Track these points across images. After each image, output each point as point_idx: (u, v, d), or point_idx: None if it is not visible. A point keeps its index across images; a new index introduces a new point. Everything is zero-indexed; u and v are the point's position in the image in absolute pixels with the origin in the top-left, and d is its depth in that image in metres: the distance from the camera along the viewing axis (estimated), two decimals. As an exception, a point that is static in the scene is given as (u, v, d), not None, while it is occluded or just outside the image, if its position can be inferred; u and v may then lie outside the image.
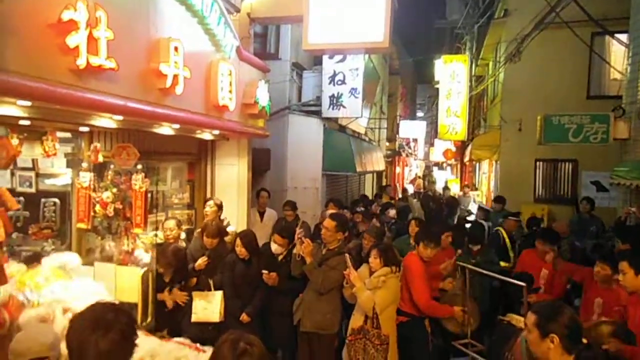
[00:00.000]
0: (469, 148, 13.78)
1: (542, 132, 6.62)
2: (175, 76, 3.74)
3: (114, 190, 4.05)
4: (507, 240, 6.03)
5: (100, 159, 3.92)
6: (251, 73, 5.62)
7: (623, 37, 7.42)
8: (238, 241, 4.26)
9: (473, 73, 13.66)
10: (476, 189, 15.47)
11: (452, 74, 12.20)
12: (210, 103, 4.61)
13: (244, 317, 4.16)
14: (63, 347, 1.96)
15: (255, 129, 5.83)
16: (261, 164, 7.86)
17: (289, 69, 8.10)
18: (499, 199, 8.41)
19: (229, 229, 5.23)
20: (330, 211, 5.92)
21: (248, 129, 5.63)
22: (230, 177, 6.35)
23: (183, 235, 5.24)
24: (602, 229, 6.68)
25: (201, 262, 4.26)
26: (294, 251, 4.18)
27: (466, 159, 16.04)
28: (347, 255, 3.94)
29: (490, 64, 12.74)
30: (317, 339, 4.07)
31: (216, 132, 5.22)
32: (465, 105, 12.29)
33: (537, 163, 10.07)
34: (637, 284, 3.19)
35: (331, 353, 4.17)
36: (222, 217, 5.44)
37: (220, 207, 5.37)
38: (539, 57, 9.22)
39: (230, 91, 4.85)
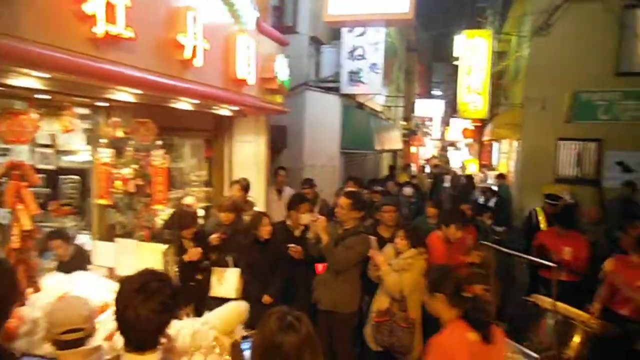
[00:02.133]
0: (489, 127, 13.46)
1: (571, 110, 6.35)
2: (194, 48, 3.61)
3: (135, 166, 4.00)
4: (543, 221, 5.87)
5: (120, 134, 3.85)
6: (270, 46, 5.46)
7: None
8: (265, 221, 4.17)
9: (495, 49, 13.23)
10: (494, 169, 15.18)
11: (473, 49, 11.81)
12: (229, 77, 4.48)
13: (267, 298, 4.12)
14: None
15: (273, 104, 5.71)
16: (278, 142, 7.75)
17: (307, 44, 7.88)
18: (500, 176, 9.02)
19: (254, 209, 5.17)
20: (347, 190, 5.81)
21: (266, 104, 5.51)
22: (248, 154, 6.27)
23: (201, 213, 5.21)
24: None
25: (215, 237, 4.18)
26: (308, 235, 4.10)
27: (485, 138, 15.70)
28: (372, 237, 3.83)
29: (513, 39, 12.30)
30: (335, 318, 4.01)
31: (234, 107, 5.11)
32: (486, 82, 11.93)
33: (559, 142, 9.77)
34: None
35: (349, 331, 4.11)
36: (248, 198, 5.36)
37: (246, 188, 5.27)
38: (565, 31, 8.83)
39: (249, 64, 4.71)
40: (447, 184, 12.88)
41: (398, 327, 3.70)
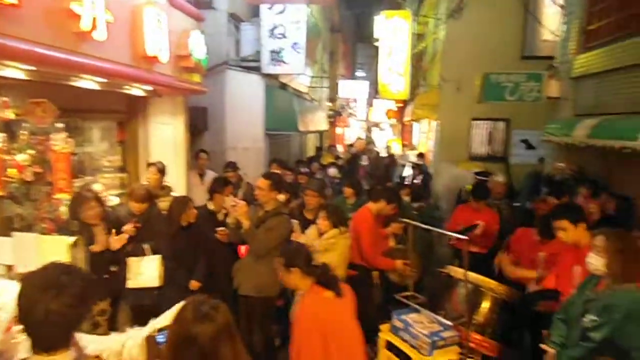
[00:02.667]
0: (410, 107, 13.93)
1: (482, 91, 6.73)
2: (94, 19, 3.28)
3: (31, 151, 3.61)
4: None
5: (11, 115, 3.43)
6: (184, 22, 5.15)
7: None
8: (190, 205, 4.06)
9: (414, 31, 13.62)
10: (415, 149, 15.83)
11: (393, 30, 12.04)
12: (139, 53, 4.16)
13: (194, 283, 4.02)
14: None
15: (190, 84, 5.42)
16: (198, 123, 7.44)
17: (225, 20, 7.55)
18: (420, 155, 9.78)
19: (172, 194, 4.93)
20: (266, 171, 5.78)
21: (183, 84, 5.22)
22: (165, 137, 5.94)
23: (116, 200, 4.87)
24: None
25: (128, 228, 3.92)
26: (228, 220, 4.01)
27: (406, 118, 16.27)
28: (294, 221, 3.83)
29: (430, 21, 12.74)
30: (256, 302, 3.97)
31: (147, 87, 4.78)
32: (407, 64, 12.26)
33: (473, 122, 10.38)
34: (576, 236, 3.24)
35: (270, 316, 4.11)
36: (165, 183, 5.09)
37: (162, 171, 5.00)
38: (477, 15, 9.30)
39: (160, 40, 4.40)
40: (365, 163, 13.30)
41: None
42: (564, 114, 6.49)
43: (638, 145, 4.11)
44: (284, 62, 7.88)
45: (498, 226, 5.12)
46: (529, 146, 9.97)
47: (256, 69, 8.11)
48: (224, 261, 4.25)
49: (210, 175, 6.45)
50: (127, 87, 4.60)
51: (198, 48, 5.11)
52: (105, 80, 3.85)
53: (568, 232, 3.24)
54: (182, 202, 4.11)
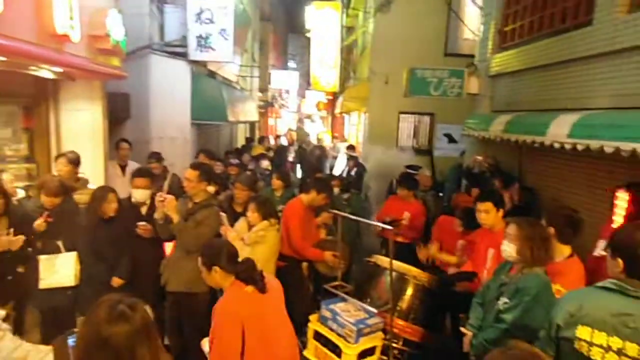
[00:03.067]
0: (340, 100, 14.13)
1: (408, 85, 6.96)
2: (-10, -10, 2.92)
3: None
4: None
5: None
6: (100, -1, 4.76)
7: (478, -2, 8.03)
8: (111, 197, 3.78)
9: (344, 23, 13.76)
10: (346, 140, 16.09)
11: (324, 21, 12.10)
12: (46, 30, 3.77)
13: (116, 280, 3.79)
14: None
15: (108, 68, 5.04)
16: (119, 111, 6.97)
17: (147, 1, 7.10)
18: (350, 147, 10.07)
19: (89, 187, 4.55)
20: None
21: (99, 67, 4.84)
22: (81, 125, 5.50)
23: (22, 193, 4.42)
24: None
25: (40, 222, 3.59)
26: (155, 216, 3.80)
27: (337, 110, 16.48)
28: (222, 214, 3.71)
29: (360, 14, 12.95)
30: (186, 299, 3.81)
31: (57, 69, 4.36)
32: (337, 56, 12.39)
33: (400, 116, 10.73)
34: (495, 219, 3.60)
35: (202, 313, 3.96)
36: (80, 175, 4.68)
37: (75, 162, 4.58)
38: (404, 11, 9.60)
39: (71, 17, 4.02)
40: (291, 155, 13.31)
41: None
42: (482, 110, 6.88)
43: (546, 140, 4.44)
44: (211, 48, 7.59)
45: (424, 217, 5.34)
46: (452, 140, 10.52)
47: (182, 55, 7.74)
48: (150, 257, 4.02)
49: (133, 166, 6.08)
50: (33, 68, 4.17)
51: (116, 28, 4.75)
52: (3, 59, 3.44)
53: (490, 214, 3.58)
54: (103, 193, 3.83)
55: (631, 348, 1.85)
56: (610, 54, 4.20)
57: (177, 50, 7.70)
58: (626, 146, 3.37)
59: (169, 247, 4.16)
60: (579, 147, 3.93)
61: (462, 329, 2.91)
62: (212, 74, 9.70)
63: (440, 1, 8.86)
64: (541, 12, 5.47)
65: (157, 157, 5.90)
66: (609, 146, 3.55)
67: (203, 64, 8.71)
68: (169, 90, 7.68)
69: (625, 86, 4.03)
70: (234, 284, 2.55)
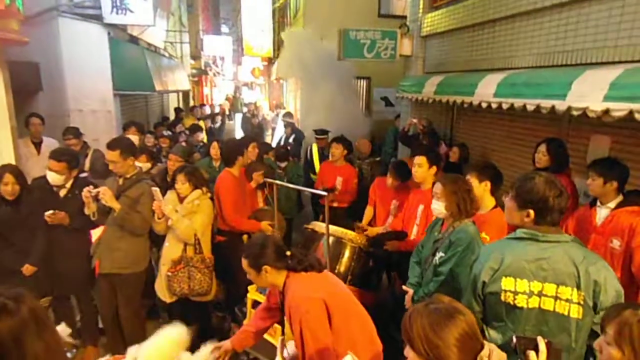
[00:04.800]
0: (275, 65, 13.74)
1: (342, 47, 6.80)
2: None
3: None
4: (315, 155, 6.43)
5: None
6: (-14, -48, 4.14)
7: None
8: (7, 178, 3.39)
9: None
10: (284, 108, 15.81)
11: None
12: None
13: (28, 268, 3.50)
14: None
15: (5, 32, 4.46)
16: (27, 83, 6.30)
17: (52, -43, 6.36)
18: (288, 114, 9.62)
19: None
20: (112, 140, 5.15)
21: (-7, 32, 4.27)
22: (-22, 98, 4.88)
23: None
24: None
25: None
26: (86, 211, 3.51)
27: (273, 77, 16.07)
28: (155, 189, 3.48)
29: (292, -24, 12.51)
30: (121, 281, 3.64)
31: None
32: (269, 19, 11.95)
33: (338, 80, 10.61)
34: (427, 175, 3.72)
35: (138, 293, 3.78)
36: None
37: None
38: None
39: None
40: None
41: (196, 270, 3.67)
42: (415, 72, 6.92)
43: (474, 100, 4.53)
44: (129, 10, 6.96)
45: (356, 180, 5.38)
46: (388, 103, 10.60)
47: (97, 18, 7.05)
48: (74, 241, 3.74)
49: (49, 143, 5.55)
50: None
51: (10, -13, 4.19)
52: None
53: (423, 168, 3.70)
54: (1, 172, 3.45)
55: (549, 288, 1.98)
56: (533, 12, 4.30)
57: (89, 13, 7.00)
58: (546, 103, 3.49)
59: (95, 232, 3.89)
60: (504, 106, 4.04)
61: (404, 287, 2.97)
62: (135, 40, 9.00)
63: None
64: (469, -29, 5.47)
65: (74, 132, 5.40)
66: (530, 104, 3.67)
67: (122, 28, 8.03)
68: (85, 57, 7.03)
69: (547, 44, 4.15)
70: (291, 277, 2.31)
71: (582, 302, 1.93)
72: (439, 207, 2.77)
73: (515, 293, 2.00)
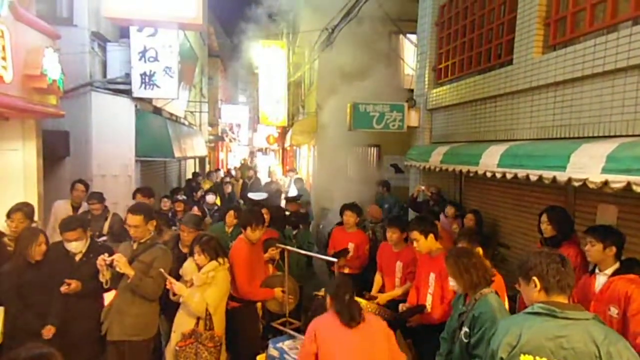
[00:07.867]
0: (290, 133, 14.30)
1: (352, 119, 7.18)
2: None
3: None
4: None
5: None
6: (34, 38, 4.66)
7: (413, 37, 8.53)
8: (41, 238, 3.57)
9: (291, 60, 14.11)
10: (297, 173, 16.19)
11: (271, 59, 12.37)
12: (-26, 72, 3.65)
13: (49, 329, 3.51)
14: None
15: (44, 106, 4.88)
16: (57, 149, 6.72)
17: (88, 39, 7.00)
18: (298, 180, 10.16)
19: None
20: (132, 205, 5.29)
21: (34, 106, 4.68)
22: (12, 165, 5.24)
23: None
24: (398, 205, 7.76)
25: None
26: (101, 279, 3.59)
27: (287, 144, 16.64)
28: (161, 270, 3.52)
29: (306, 51, 13.36)
30: (130, 348, 3.59)
31: (-13, 109, 4.19)
32: (284, 92, 12.62)
33: (349, 148, 10.97)
34: (427, 245, 3.77)
35: (147, 358, 3.77)
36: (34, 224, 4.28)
37: (31, 216, 4.21)
38: (345, 49, 9.98)
39: (3, 58, 3.91)
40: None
41: (204, 349, 3.53)
42: (423, 141, 7.21)
43: (479, 169, 4.71)
44: (156, 85, 7.52)
45: (367, 246, 5.43)
46: (398, 170, 10.85)
47: (126, 92, 7.62)
48: (87, 305, 3.77)
49: (86, 208, 5.74)
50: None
51: (52, 68, 4.64)
52: None
53: (420, 242, 3.72)
54: (33, 234, 3.62)
55: (570, 367, 1.91)
56: (529, 90, 4.59)
57: (120, 88, 7.59)
58: (548, 174, 3.64)
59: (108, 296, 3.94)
60: (508, 176, 4.20)
61: None
62: (158, 110, 9.59)
63: (380, 39, 9.31)
64: (469, 52, 5.90)
65: (98, 197, 5.64)
66: (533, 174, 3.82)
67: (148, 100, 8.61)
68: (111, 127, 7.52)
69: (546, 118, 4.39)
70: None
71: (603, 383, 1.85)
72: (454, 285, 2.86)
73: (534, 370, 1.94)
